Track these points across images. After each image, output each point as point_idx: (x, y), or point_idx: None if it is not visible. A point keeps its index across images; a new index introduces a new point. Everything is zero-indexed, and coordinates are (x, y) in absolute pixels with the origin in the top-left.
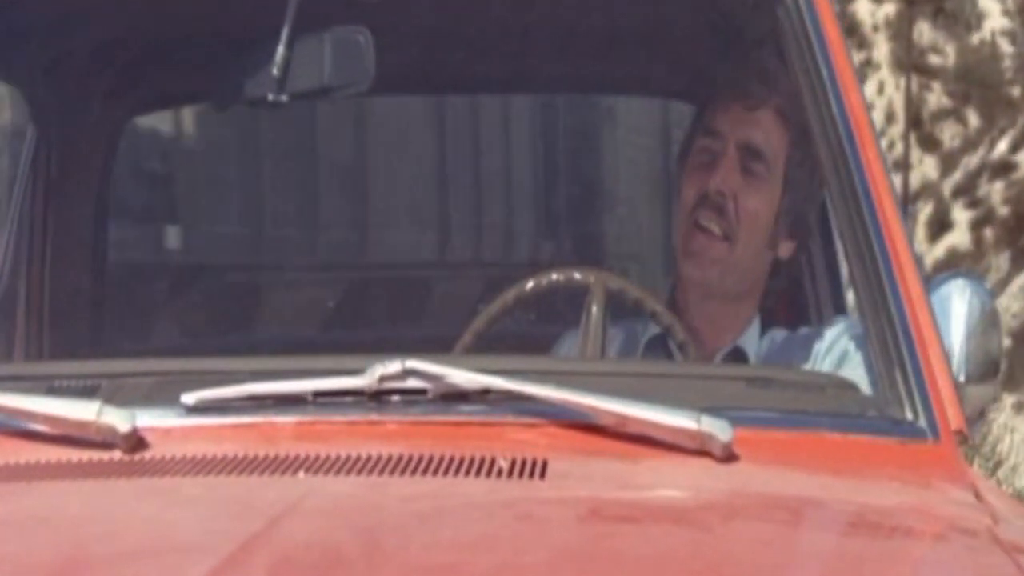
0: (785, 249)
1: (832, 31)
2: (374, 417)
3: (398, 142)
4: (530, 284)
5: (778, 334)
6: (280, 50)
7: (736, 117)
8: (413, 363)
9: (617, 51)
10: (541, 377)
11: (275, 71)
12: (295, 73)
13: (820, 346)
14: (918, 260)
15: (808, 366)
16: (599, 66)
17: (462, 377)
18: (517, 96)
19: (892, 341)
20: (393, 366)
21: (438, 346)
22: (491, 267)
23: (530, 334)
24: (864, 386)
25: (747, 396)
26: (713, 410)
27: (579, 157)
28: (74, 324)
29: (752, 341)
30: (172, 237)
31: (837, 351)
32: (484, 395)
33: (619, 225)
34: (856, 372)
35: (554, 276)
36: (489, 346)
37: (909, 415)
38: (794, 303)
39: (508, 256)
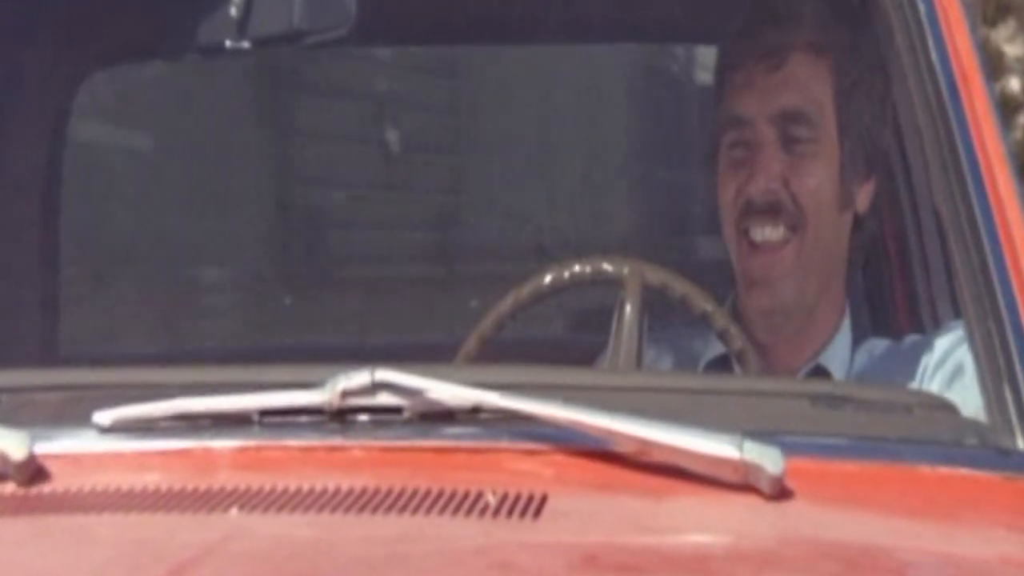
0: (864, 196)
1: None
2: (335, 441)
3: (383, 101)
4: (548, 278)
5: (877, 345)
6: None
7: (759, 86)
8: (384, 374)
9: None
10: (546, 392)
11: (234, 12)
12: (259, 14)
13: (929, 359)
14: None
15: (914, 385)
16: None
17: (446, 392)
18: (525, 46)
19: (1001, 348)
20: (359, 378)
21: (431, 357)
22: (500, 258)
23: (564, 345)
24: (971, 408)
25: (808, 417)
26: (761, 434)
27: (618, 118)
28: (14, 328)
29: (840, 352)
30: (132, 223)
31: (951, 365)
32: (473, 414)
33: (668, 206)
34: (969, 392)
35: (577, 268)
36: (501, 358)
37: (1021, 444)
38: (890, 266)
39: (522, 245)
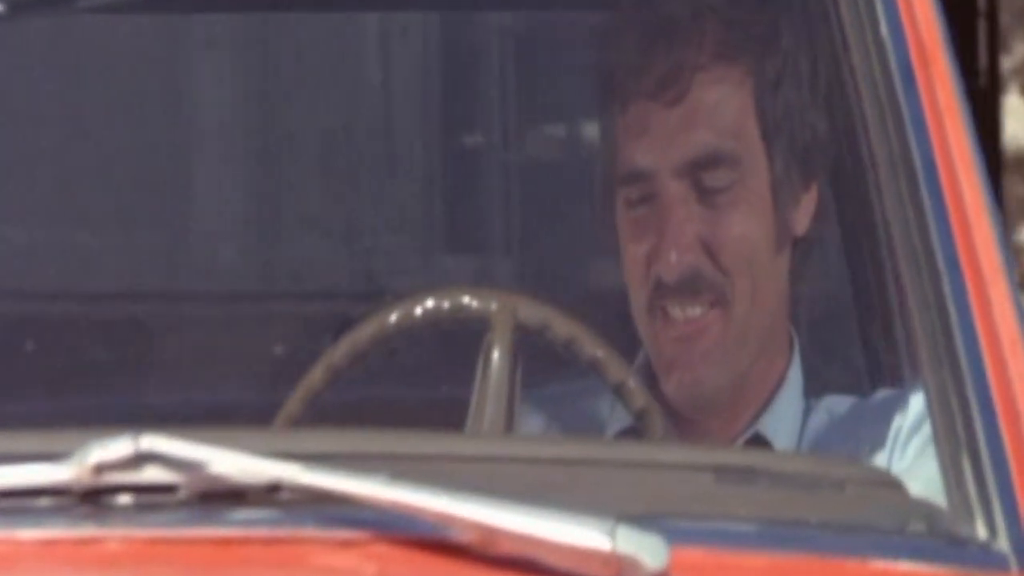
0: (804, 213)
1: None
2: (86, 531)
3: (179, 79)
4: (394, 316)
5: (839, 403)
6: None
7: (658, 127)
8: (152, 442)
9: None
10: (372, 464)
11: None
12: None
13: (902, 421)
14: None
15: (883, 455)
16: None
17: (234, 464)
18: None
19: (960, 409)
20: (119, 447)
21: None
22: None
23: (418, 404)
24: (929, 486)
25: (707, 496)
26: (643, 519)
27: (487, 99)
28: None
29: (786, 413)
30: None
31: (927, 430)
32: (271, 494)
33: (554, 221)
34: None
35: (431, 303)
36: (334, 421)
37: (981, 532)
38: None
39: (367, 276)
